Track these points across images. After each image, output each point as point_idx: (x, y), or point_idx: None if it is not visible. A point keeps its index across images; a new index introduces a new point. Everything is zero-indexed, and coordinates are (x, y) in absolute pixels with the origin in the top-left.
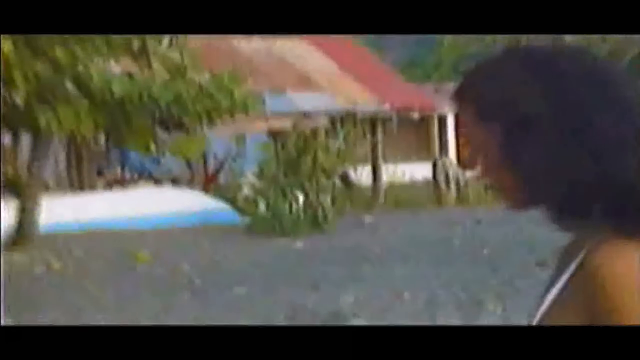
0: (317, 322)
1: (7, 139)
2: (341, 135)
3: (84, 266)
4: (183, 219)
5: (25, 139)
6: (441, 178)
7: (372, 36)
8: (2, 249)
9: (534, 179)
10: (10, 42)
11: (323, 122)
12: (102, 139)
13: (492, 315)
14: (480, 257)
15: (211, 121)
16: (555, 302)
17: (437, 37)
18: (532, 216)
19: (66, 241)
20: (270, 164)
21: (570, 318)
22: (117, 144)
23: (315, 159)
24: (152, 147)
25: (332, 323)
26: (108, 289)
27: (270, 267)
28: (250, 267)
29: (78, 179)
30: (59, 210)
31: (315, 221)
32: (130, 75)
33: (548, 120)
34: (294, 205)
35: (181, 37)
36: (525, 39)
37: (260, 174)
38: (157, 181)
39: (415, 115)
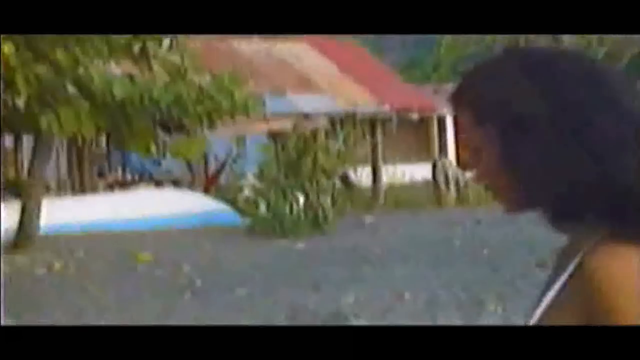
0: (318, 323)
1: (8, 141)
2: (341, 137)
3: (85, 267)
4: (184, 220)
5: (27, 141)
6: (441, 178)
7: (371, 37)
8: (2, 250)
9: (532, 181)
10: (11, 45)
11: (323, 124)
12: (103, 140)
13: (492, 316)
14: (481, 257)
15: (212, 123)
16: (553, 304)
17: (436, 38)
18: (532, 217)
19: (67, 242)
20: (270, 165)
21: (568, 320)
22: (118, 146)
23: (315, 160)
24: (153, 148)
25: (333, 323)
26: (109, 290)
27: (271, 268)
28: (251, 268)
29: (79, 181)
30: (60, 212)
31: (315, 222)
32: (131, 78)
33: (545, 122)
34: (295, 206)
35: (181, 39)
36: (524, 39)
37: (261, 175)
38: (158, 183)
39: (415, 116)
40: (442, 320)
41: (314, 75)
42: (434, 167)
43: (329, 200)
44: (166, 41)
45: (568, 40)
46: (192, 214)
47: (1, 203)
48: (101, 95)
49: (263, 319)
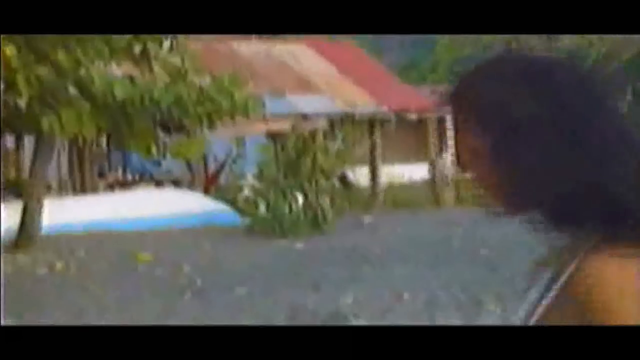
0: (318, 322)
1: (10, 142)
2: (340, 137)
3: (86, 267)
4: (184, 220)
5: (28, 142)
6: (439, 178)
7: (369, 39)
8: (2, 250)
9: (526, 185)
10: (13, 46)
11: (322, 124)
12: (103, 141)
13: (491, 315)
14: (479, 257)
15: (212, 123)
16: (548, 308)
17: (433, 40)
18: (530, 216)
19: (68, 242)
20: (270, 166)
21: (565, 322)
22: (118, 147)
23: (314, 161)
24: (154, 149)
25: (332, 323)
26: (110, 289)
27: (270, 268)
28: (250, 267)
29: (80, 181)
30: (61, 212)
31: (315, 222)
32: (131, 79)
33: (541, 126)
34: (294, 206)
35: (182, 40)
36: (521, 40)
37: (260, 176)
38: (158, 183)
39: (413, 117)
40: (441, 320)
41: (313, 77)
42: (432, 167)
43: (327, 200)
44: (167, 43)
45: (566, 40)
46: (192, 214)
47: (2, 203)
48: (102, 96)
49: (263, 318)
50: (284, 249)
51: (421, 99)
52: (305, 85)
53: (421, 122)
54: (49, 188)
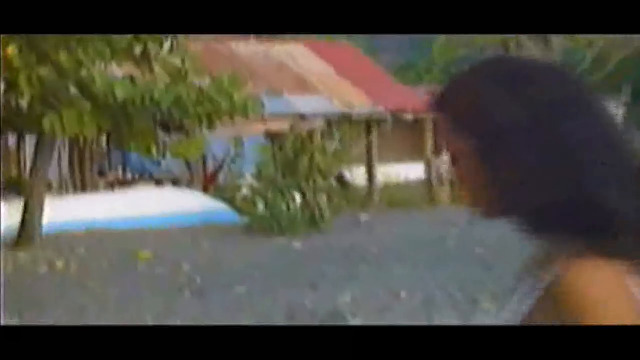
0: (316, 320)
1: (11, 141)
2: (337, 137)
3: (87, 265)
4: (183, 218)
5: (30, 141)
6: (435, 178)
7: (366, 40)
8: (2, 248)
9: (508, 191)
10: (15, 47)
11: (320, 124)
12: (104, 140)
13: (487, 314)
14: (475, 256)
15: (211, 123)
16: (530, 314)
17: (430, 41)
18: None
19: (69, 241)
20: (268, 165)
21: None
22: (119, 146)
23: (312, 160)
24: (154, 149)
25: (330, 321)
26: (110, 287)
27: (268, 266)
28: (249, 266)
29: (81, 180)
30: (61, 211)
31: (312, 221)
32: (132, 79)
33: (524, 133)
34: (292, 205)
35: (182, 41)
36: (516, 41)
37: (259, 175)
38: (158, 182)
39: (409, 117)
40: (437, 319)
41: (311, 77)
42: (428, 167)
43: (325, 199)
44: (167, 44)
45: (559, 42)
46: (191, 212)
47: (3, 202)
48: (103, 97)
49: (261, 316)
50: (282, 248)
51: (417, 99)
52: (303, 85)
53: (417, 123)
54: (49, 187)
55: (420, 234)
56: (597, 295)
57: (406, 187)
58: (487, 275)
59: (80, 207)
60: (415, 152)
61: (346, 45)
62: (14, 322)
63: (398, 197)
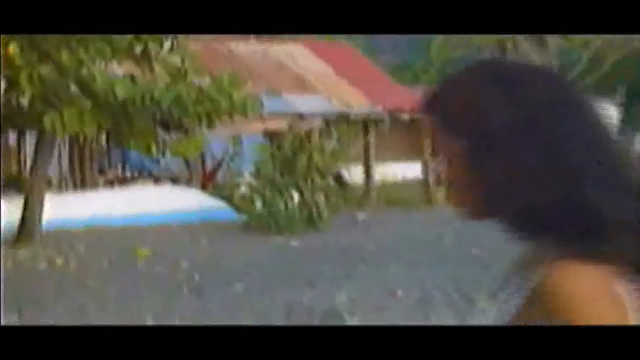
0: (313, 318)
1: (12, 138)
2: (335, 136)
3: (86, 262)
4: (182, 216)
5: (30, 138)
6: (431, 177)
7: (364, 40)
8: (2, 245)
9: (495, 191)
10: (16, 45)
11: (318, 124)
12: (103, 138)
13: (483, 313)
14: (472, 255)
15: (211, 122)
16: (515, 315)
17: (427, 41)
18: None
19: (68, 238)
20: (266, 164)
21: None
22: (119, 145)
23: (310, 159)
24: (154, 148)
25: (328, 319)
26: (109, 284)
27: (266, 264)
28: (247, 264)
29: (80, 177)
30: (61, 208)
31: (310, 219)
32: (132, 78)
33: (514, 137)
34: (290, 204)
35: (182, 41)
36: (513, 40)
37: (257, 174)
38: (157, 180)
39: (407, 117)
40: (434, 317)
41: (309, 77)
42: (425, 166)
43: (323, 198)
44: (167, 43)
45: (555, 42)
46: (190, 210)
47: (3, 198)
48: (103, 95)
49: (259, 314)
50: (280, 246)
51: (414, 99)
52: (302, 85)
53: (414, 122)
54: (49, 184)
55: (417, 233)
56: (582, 297)
57: (403, 186)
58: (483, 275)
59: (80, 204)
60: (412, 152)
61: (345, 45)
62: (13, 318)
63: (395, 196)
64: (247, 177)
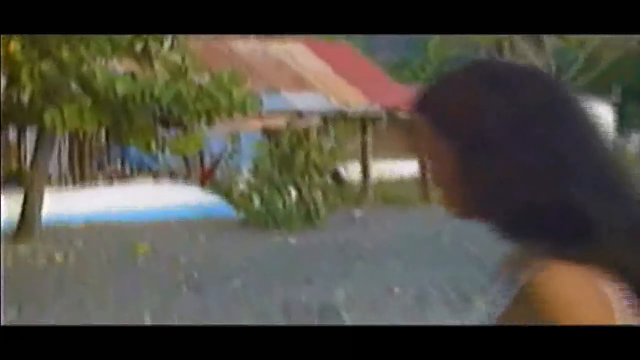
0: (311, 314)
1: (12, 134)
2: (333, 134)
3: (85, 258)
4: (180, 212)
5: (30, 134)
6: (428, 175)
7: (362, 39)
8: (2, 240)
9: (484, 192)
10: (17, 42)
11: (316, 121)
12: (103, 135)
13: (479, 311)
14: (468, 253)
15: (210, 120)
16: (502, 316)
17: (424, 39)
18: None
19: (68, 233)
20: (264, 161)
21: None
22: (119, 142)
23: (308, 157)
24: (153, 145)
25: (325, 315)
26: (108, 280)
27: (264, 261)
28: (245, 260)
29: (80, 174)
30: (61, 204)
31: (307, 216)
32: (133, 76)
33: (504, 135)
34: (287, 201)
35: (182, 39)
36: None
37: (255, 171)
38: (156, 176)
39: (404, 115)
40: (430, 315)
41: (308, 75)
42: (422, 164)
43: (320, 195)
44: (167, 41)
45: (551, 42)
46: (188, 206)
47: (3, 194)
48: (104, 92)
49: (257, 310)
50: (278, 243)
51: (412, 97)
52: (300, 83)
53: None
54: (49, 180)
55: (415, 230)
56: (568, 298)
57: (400, 184)
58: (480, 272)
59: (79, 200)
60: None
61: (343, 44)
62: (13, 313)
63: (392, 194)
64: (245, 174)
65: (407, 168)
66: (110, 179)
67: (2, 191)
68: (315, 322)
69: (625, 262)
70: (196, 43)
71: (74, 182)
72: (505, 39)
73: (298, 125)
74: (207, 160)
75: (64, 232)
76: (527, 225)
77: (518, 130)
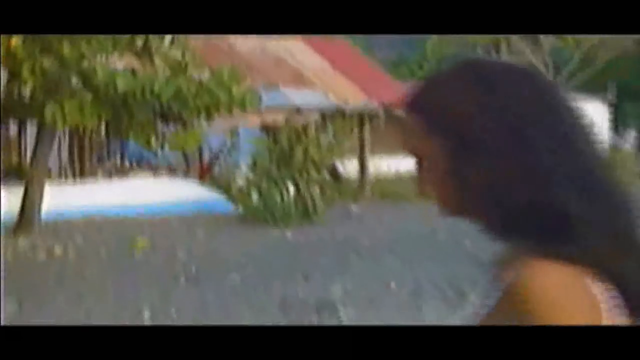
0: (308, 309)
1: (13, 129)
2: (331, 130)
3: (84, 252)
4: (179, 207)
5: (31, 129)
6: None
7: (361, 36)
8: (2, 234)
9: (473, 193)
10: (19, 38)
11: (314, 118)
12: (103, 129)
13: (475, 307)
14: (464, 249)
15: (210, 116)
16: (488, 315)
17: (422, 38)
18: None
19: (67, 227)
20: (263, 157)
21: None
22: (119, 137)
23: (306, 153)
24: (153, 141)
25: (321, 310)
26: (107, 274)
27: (262, 256)
28: (243, 255)
29: (80, 168)
30: (61, 198)
31: (305, 212)
32: (133, 72)
33: (493, 135)
34: (285, 196)
35: (182, 36)
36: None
37: (254, 166)
38: (155, 171)
39: (401, 112)
40: (426, 310)
41: (307, 72)
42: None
43: (318, 191)
44: (168, 37)
45: (548, 41)
46: (187, 201)
47: (3, 188)
48: (104, 88)
49: (254, 305)
50: (276, 238)
51: None
52: (299, 79)
53: None
54: (49, 174)
55: (411, 226)
56: (553, 296)
57: (397, 180)
58: (476, 268)
59: (79, 194)
60: None
61: (342, 41)
62: (13, 306)
63: (389, 190)
64: (244, 169)
65: (404, 164)
66: (109, 174)
67: (2, 185)
68: (313, 317)
69: (609, 262)
70: (196, 40)
71: (74, 177)
72: (502, 38)
73: (296, 121)
74: (206, 156)
75: (63, 226)
76: (514, 225)
77: (506, 130)
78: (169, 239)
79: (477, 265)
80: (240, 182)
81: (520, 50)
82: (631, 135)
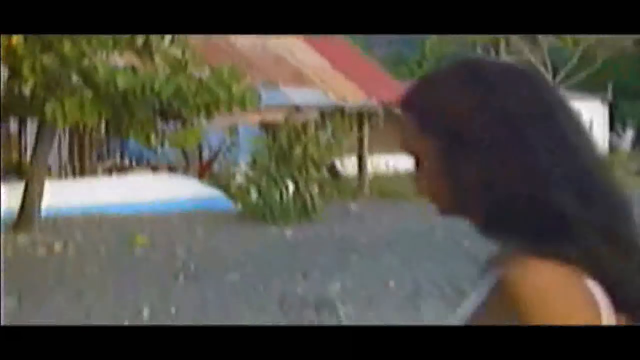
0: (306, 307)
1: (13, 126)
2: (330, 129)
3: (84, 249)
4: (179, 204)
5: (31, 126)
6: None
7: (360, 35)
8: (2, 231)
9: (466, 191)
10: (19, 36)
11: (314, 116)
12: (103, 127)
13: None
14: (463, 247)
15: (209, 114)
16: (479, 314)
17: (421, 36)
18: None
19: (67, 225)
20: (262, 155)
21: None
22: (119, 135)
23: (305, 151)
24: (153, 138)
25: (321, 308)
26: (107, 271)
27: (261, 254)
28: (242, 253)
29: (79, 166)
30: (60, 195)
31: (304, 210)
32: (133, 69)
33: (488, 134)
34: (285, 194)
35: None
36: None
37: (253, 164)
38: (155, 168)
39: (399, 111)
40: (424, 308)
41: (306, 70)
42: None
43: (317, 189)
44: (168, 36)
45: (547, 41)
46: (186, 199)
47: (3, 185)
48: (105, 86)
49: (253, 302)
50: (275, 236)
51: None
52: (299, 78)
53: None
54: (49, 171)
55: (410, 224)
56: (545, 296)
57: (396, 178)
58: (474, 267)
59: (79, 192)
60: None
61: (341, 40)
62: (13, 303)
63: (388, 188)
64: (243, 167)
65: (403, 163)
66: (109, 172)
67: (2, 182)
68: (312, 314)
69: (606, 263)
70: (196, 38)
71: (74, 174)
72: (501, 37)
73: (296, 119)
74: (206, 154)
75: (63, 223)
76: (506, 224)
77: (504, 129)
78: (168, 236)
79: (476, 264)
80: (239, 180)
81: (519, 50)
82: (629, 134)
